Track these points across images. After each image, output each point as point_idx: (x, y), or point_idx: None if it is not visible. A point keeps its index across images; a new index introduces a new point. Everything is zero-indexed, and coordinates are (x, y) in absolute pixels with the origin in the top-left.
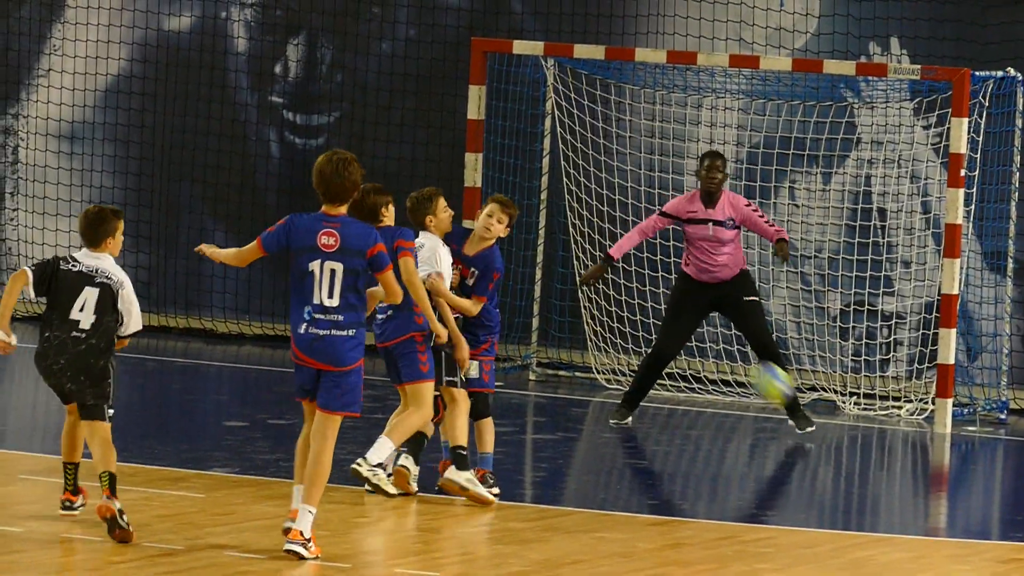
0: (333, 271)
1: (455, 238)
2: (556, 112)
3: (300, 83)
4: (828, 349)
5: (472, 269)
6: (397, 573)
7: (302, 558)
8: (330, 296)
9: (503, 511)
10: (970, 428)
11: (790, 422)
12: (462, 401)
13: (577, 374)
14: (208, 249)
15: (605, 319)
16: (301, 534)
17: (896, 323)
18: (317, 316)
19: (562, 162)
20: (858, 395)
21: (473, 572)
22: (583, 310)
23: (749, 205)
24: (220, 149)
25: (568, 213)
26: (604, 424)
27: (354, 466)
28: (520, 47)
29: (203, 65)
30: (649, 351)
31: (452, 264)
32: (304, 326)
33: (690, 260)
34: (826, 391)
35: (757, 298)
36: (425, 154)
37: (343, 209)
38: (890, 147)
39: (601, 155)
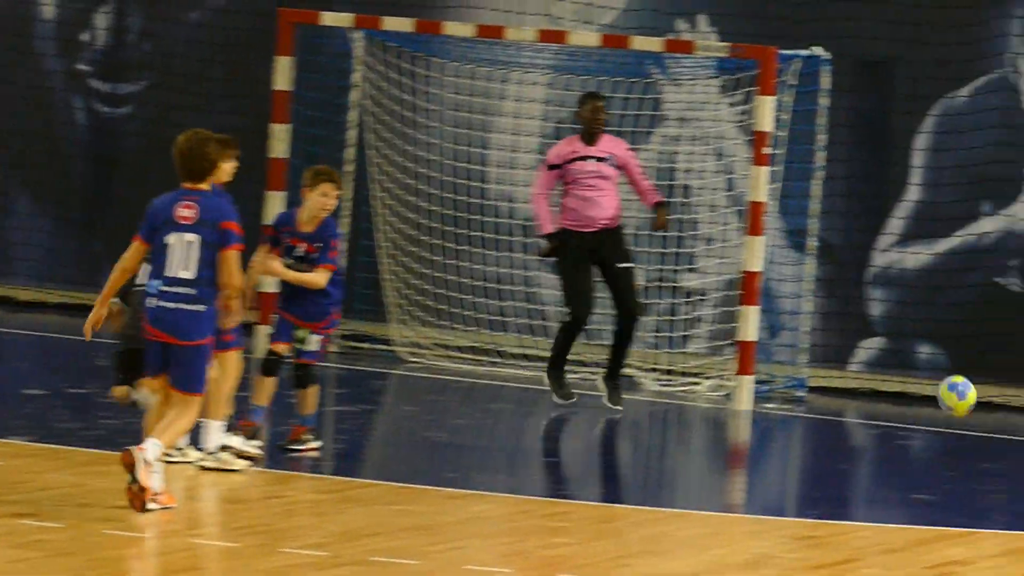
0: (190, 243)
1: (283, 223)
2: (364, 84)
3: (108, 51)
4: None
5: (316, 244)
6: (194, 543)
7: (138, 492)
8: (185, 268)
9: (303, 482)
10: (769, 405)
11: (602, 392)
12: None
13: (379, 347)
14: (102, 310)
15: (408, 292)
16: (145, 450)
17: (698, 300)
18: (165, 289)
19: (369, 134)
20: (659, 371)
21: (271, 543)
22: (386, 283)
23: (630, 150)
24: (26, 116)
25: (373, 185)
26: (405, 397)
27: (200, 464)
28: (328, 19)
29: (9, 31)
30: (564, 320)
31: (293, 243)
32: (154, 300)
33: (568, 205)
34: (627, 367)
35: (632, 264)
36: (232, 124)
37: (204, 186)
38: (696, 124)
39: (408, 128)
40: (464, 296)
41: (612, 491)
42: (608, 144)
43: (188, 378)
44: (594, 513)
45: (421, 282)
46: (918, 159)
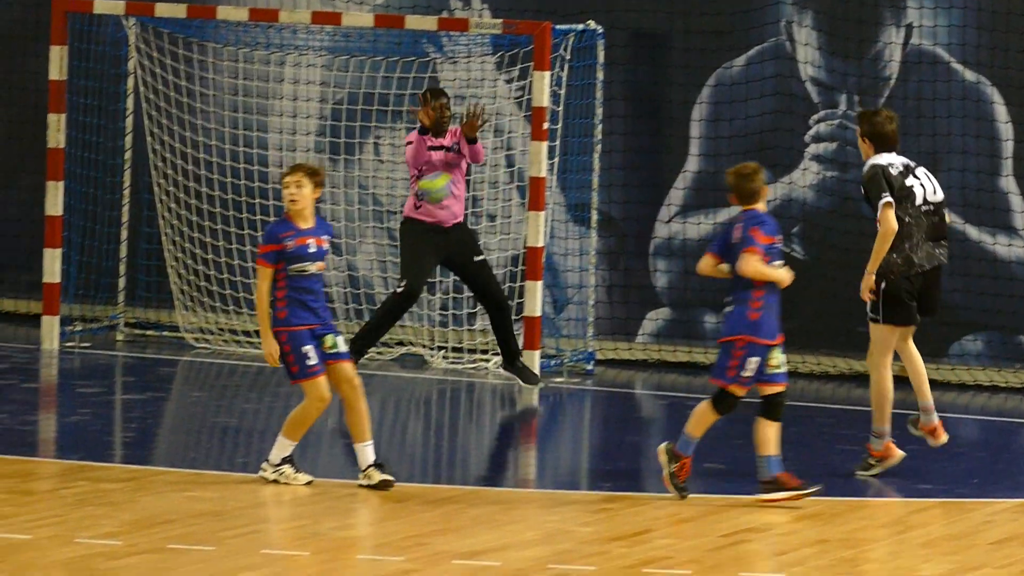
0: None
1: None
2: (139, 71)
3: None
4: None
5: None
6: None
7: None
8: None
9: (94, 472)
10: (558, 379)
11: (517, 378)
12: None
13: (165, 334)
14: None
15: (192, 278)
16: None
17: None
18: None
19: (146, 121)
20: (446, 349)
21: (65, 534)
22: (170, 269)
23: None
24: None
25: (153, 172)
26: (193, 383)
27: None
28: (101, 6)
29: None
30: (399, 290)
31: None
32: None
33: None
34: (414, 345)
35: (483, 256)
36: (8, 115)
37: None
38: (473, 101)
39: (185, 114)
40: (248, 280)
41: (405, 470)
42: (451, 134)
43: None
44: (388, 493)
45: (205, 268)
46: (696, 130)
